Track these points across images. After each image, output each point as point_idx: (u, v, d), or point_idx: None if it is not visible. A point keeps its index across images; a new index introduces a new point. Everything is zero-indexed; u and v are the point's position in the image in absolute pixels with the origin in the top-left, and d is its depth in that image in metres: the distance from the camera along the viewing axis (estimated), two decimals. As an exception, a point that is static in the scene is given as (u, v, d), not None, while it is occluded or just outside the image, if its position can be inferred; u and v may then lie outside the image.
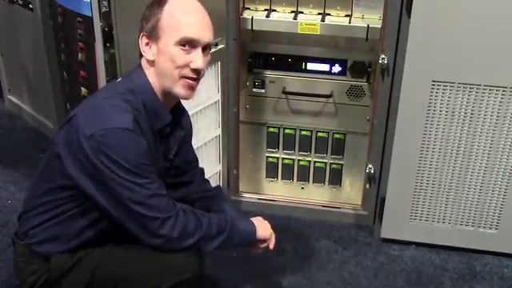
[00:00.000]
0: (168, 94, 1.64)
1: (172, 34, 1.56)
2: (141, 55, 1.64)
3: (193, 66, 1.58)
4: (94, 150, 1.50)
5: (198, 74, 1.61)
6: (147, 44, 1.59)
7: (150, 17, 1.58)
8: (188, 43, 1.57)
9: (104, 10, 1.89)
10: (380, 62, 2.23)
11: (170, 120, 1.68)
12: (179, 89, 1.61)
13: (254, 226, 1.78)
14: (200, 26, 1.59)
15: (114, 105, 1.56)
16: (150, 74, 1.62)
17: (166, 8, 1.57)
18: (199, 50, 1.59)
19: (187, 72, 1.59)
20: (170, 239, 1.58)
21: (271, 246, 1.84)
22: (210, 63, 2.29)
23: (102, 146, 1.50)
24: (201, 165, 2.43)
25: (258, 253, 1.84)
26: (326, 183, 2.63)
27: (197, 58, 1.58)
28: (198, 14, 1.60)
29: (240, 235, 1.74)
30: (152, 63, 1.61)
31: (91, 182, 1.55)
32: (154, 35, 1.57)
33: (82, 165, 1.53)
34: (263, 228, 1.80)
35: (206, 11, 1.62)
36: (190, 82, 1.61)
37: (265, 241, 1.81)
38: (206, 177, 2.47)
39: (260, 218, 1.84)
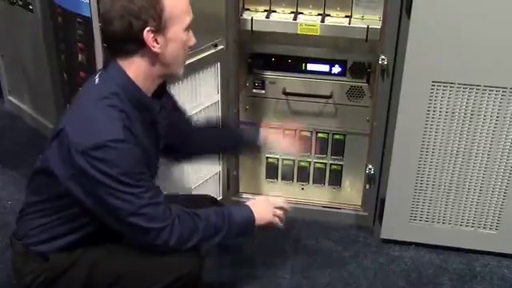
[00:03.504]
0: (163, 78, 1.65)
1: (180, 21, 1.57)
2: (116, 52, 1.58)
3: (192, 43, 1.65)
4: (87, 164, 1.49)
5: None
6: (153, 37, 1.55)
7: (149, 10, 1.52)
8: (190, 25, 1.61)
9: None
10: (380, 62, 2.23)
11: (159, 106, 1.67)
12: (181, 70, 1.66)
13: (253, 215, 1.76)
14: (190, 8, 1.62)
15: (102, 113, 1.53)
16: (137, 67, 1.57)
17: None
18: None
19: (187, 51, 1.66)
20: (167, 248, 1.59)
21: (280, 224, 1.84)
22: (209, 64, 2.30)
23: (95, 161, 1.49)
24: (201, 165, 2.44)
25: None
26: (326, 184, 2.63)
27: (193, 36, 1.64)
28: None
29: (238, 228, 1.73)
30: (155, 56, 1.57)
31: (87, 194, 1.54)
32: (160, 27, 1.54)
33: (77, 179, 1.53)
34: (262, 213, 1.78)
35: None
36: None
37: (270, 223, 1.80)
38: (206, 178, 2.49)
39: (262, 198, 1.83)
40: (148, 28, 1.52)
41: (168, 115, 1.78)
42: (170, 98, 1.85)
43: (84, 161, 1.49)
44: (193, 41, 1.65)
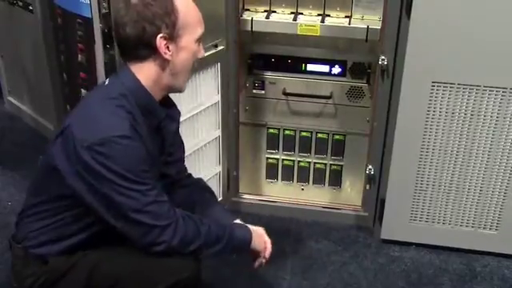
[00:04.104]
0: (168, 90, 1.65)
1: (193, 31, 1.59)
2: (127, 56, 1.60)
3: (201, 56, 1.66)
4: (92, 159, 1.49)
5: None
6: (166, 44, 1.56)
7: (164, 17, 1.53)
8: (201, 38, 1.63)
9: (104, 11, 1.88)
10: (380, 63, 2.23)
11: (165, 113, 1.68)
12: (186, 82, 1.67)
13: (251, 236, 1.77)
14: (202, 20, 1.63)
15: (109, 112, 1.54)
16: (146, 73, 1.58)
17: (179, 6, 1.55)
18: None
19: (194, 64, 1.66)
20: (169, 247, 1.58)
21: (265, 258, 1.83)
22: (209, 64, 2.30)
23: (100, 156, 1.48)
24: (201, 166, 2.44)
25: (256, 266, 1.83)
26: (326, 184, 2.63)
27: (202, 49, 1.66)
28: (197, 8, 1.63)
29: (236, 243, 1.74)
30: (166, 63, 1.58)
31: (91, 191, 1.53)
32: (173, 35, 1.55)
33: (81, 175, 1.52)
34: (258, 240, 1.80)
35: None
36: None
37: (257, 253, 1.81)
38: (206, 178, 2.49)
39: (260, 229, 1.83)
40: (161, 34, 1.54)
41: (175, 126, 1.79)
42: (177, 112, 1.83)
43: (89, 156, 1.49)
44: (202, 53, 1.66)
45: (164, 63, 1.58)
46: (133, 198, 1.52)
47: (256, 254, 1.81)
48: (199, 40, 1.62)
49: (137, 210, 1.53)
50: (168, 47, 1.56)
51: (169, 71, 1.60)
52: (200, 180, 2.01)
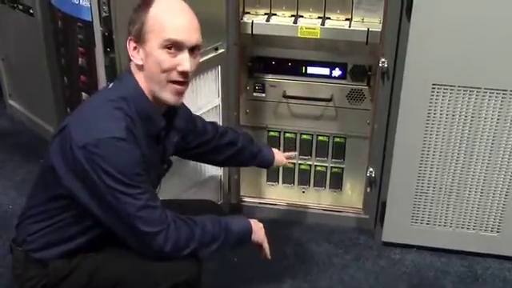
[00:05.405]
0: (158, 98, 1.62)
1: (156, 36, 1.53)
2: (130, 59, 1.61)
3: (180, 68, 1.55)
4: (87, 160, 1.49)
5: (185, 77, 1.57)
6: (135, 48, 1.56)
7: (136, 20, 1.55)
8: (173, 46, 1.54)
9: (104, 14, 1.88)
10: (380, 65, 2.23)
11: (165, 124, 1.67)
12: (167, 94, 1.59)
13: (251, 228, 1.77)
14: (185, 28, 1.55)
15: (106, 113, 1.54)
16: (140, 78, 1.59)
17: (152, 11, 1.54)
18: (186, 52, 1.56)
19: (174, 76, 1.56)
20: (162, 253, 1.58)
21: (268, 256, 1.83)
22: (210, 67, 2.30)
23: (95, 157, 1.48)
24: (202, 169, 2.43)
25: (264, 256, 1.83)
26: (327, 187, 2.63)
27: (184, 61, 1.55)
28: (183, 16, 1.57)
29: (235, 238, 1.73)
30: (141, 68, 1.58)
31: (86, 191, 1.54)
32: (140, 39, 1.55)
33: (77, 175, 1.53)
34: (258, 230, 1.79)
35: (192, 12, 1.59)
36: (177, 87, 1.58)
37: (258, 244, 1.80)
38: (207, 181, 2.49)
39: (256, 220, 1.82)
40: (130, 37, 1.56)
41: (183, 135, 1.81)
42: (184, 118, 1.85)
43: (84, 157, 1.49)
44: (183, 66, 1.55)
45: (140, 68, 1.59)
46: (125, 201, 1.52)
47: (257, 246, 1.81)
48: (167, 47, 1.53)
49: (128, 215, 1.53)
50: (139, 51, 1.57)
51: (145, 77, 1.59)
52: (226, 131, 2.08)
